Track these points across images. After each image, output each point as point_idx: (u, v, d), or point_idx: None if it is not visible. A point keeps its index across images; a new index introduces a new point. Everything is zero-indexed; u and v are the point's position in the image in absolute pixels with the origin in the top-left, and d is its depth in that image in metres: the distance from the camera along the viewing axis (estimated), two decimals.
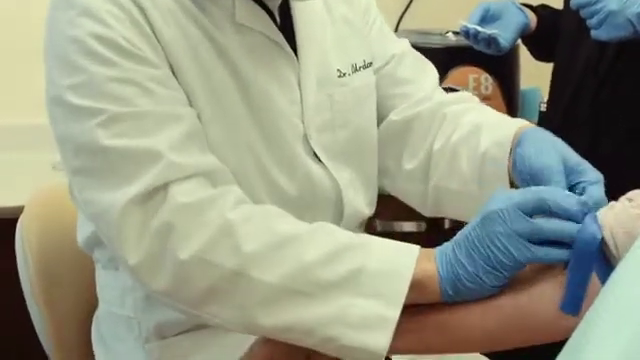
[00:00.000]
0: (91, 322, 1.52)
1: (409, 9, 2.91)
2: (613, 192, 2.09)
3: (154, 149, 1.18)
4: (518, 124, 1.40)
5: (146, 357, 1.40)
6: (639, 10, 1.93)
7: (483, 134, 1.41)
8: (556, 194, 1.14)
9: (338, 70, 1.43)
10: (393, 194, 1.59)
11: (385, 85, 1.52)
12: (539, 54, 2.33)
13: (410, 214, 1.60)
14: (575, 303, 1.12)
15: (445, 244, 1.18)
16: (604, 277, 1.11)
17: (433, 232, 1.87)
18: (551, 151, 1.29)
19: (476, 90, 2.51)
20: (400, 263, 1.16)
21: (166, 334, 1.39)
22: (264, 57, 1.33)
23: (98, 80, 1.19)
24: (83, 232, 1.43)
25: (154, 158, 1.17)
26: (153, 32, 1.23)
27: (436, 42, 2.58)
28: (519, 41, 2.50)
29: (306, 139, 1.38)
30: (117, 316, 1.43)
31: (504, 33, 2.22)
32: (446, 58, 2.52)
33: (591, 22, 1.97)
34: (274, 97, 1.34)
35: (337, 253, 1.16)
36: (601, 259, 1.12)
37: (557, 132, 2.15)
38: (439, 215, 1.54)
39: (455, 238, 1.17)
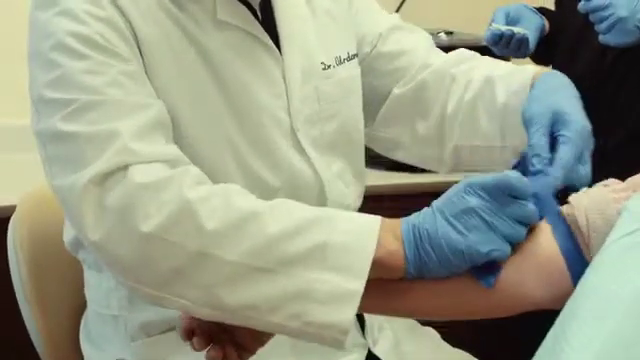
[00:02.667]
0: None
1: (401, 9, 2.90)
2: None
3: (116, 132, 1.18)
4: (532, 71, 1.40)
5: (133, 355, 1.41)
6: None
7: (498, 86, 1.42)
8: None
9: (322, 63, 1.44)
10: (408, 162, 1.61)
11: (380, 64, 1.54)
12: (545, 57, 2.32)
13: None
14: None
15: (414, 217, 1.17)
16: (574, 264, 1.11)
17: None
18: (549, 99, 1.30)
19: None
20: (364, 236, 1.15)
21: (152, 332, 1.40)
22: (246, 53, 1.35)
23: (71, 73, 1.21)
24: (68, 234, 1.45)
25: (115, 141, 1.18)
26: (132, 30, 1.26)
27: None
28: None
29: (293, 132, 1.38)
30: (103, 315, 1.44)
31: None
32: None
33: (600, 27, 1.98)
34: (256, 92, 1.35)
35: (300, 228, 1.15)
36: (571, 243, 1.12)
37: None
38: (458, 170, 1.54)
39: (424, 211, 1.17)
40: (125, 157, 1.17)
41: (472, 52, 1.56)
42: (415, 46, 1.56)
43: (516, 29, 2.16)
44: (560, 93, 1.32)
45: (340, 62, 1.46)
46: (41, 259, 1.58)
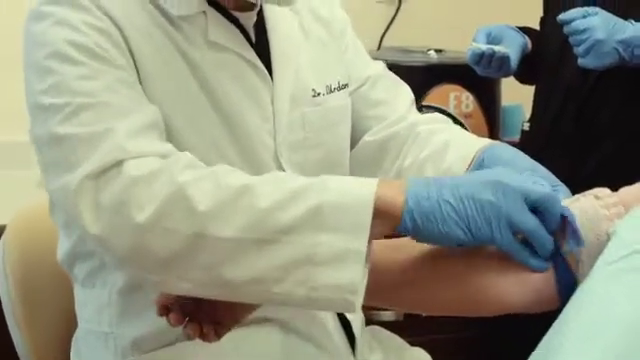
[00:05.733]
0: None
1: (391, 26, 2.92)
2: None
3: (110, 131, 1.19)
4: (485, 142, 1.41)
5: None
6: (624, 37, 1.97)
7: (450, 151, 1.43)
8: (556, 204, 1.14)
9: (313, 90, 1.44)
10: None
11: (360, 107, 1.54)
12: (529, 76, 2.33)
13: None
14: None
15: (419, 177, 1.17)
16: (563, 276, 1.12)
17: (411, 321, 1.87)
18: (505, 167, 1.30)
19: (457, 108, 2.53)
20: (360, 194, 1.13)
21: (143, 349, 1.39)
22: (237, 75, 1.35)
23: (67, 79, 1.22)
24: (62, 248, 1.44)
25: (109, 139, 1.18)
26: (126, 43, 1.27)
27: (418, 60, 2.60)
28: None
29: (277, 157, 1.39)
30: (94, 333, 1.43)
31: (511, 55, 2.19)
32: (427, 76, 2.54)
33: (578, 50, 2.00)
34: (246, 114, 1.35)
35: (293, 195, 1.14)
36: (559, 256, 1.13)
37: (540, 152, 2.18)
38: None
39: (438, 178, 1.16)
40: (119, 154, 1.18)
41: (445, 117, 1.58)
42: (397, 99, 1.57)
43: (497, 48, 2.15)
44: (514, 161, 1.34)
45: (330, 91, 1.47)
46: (31, 280, 1.57)
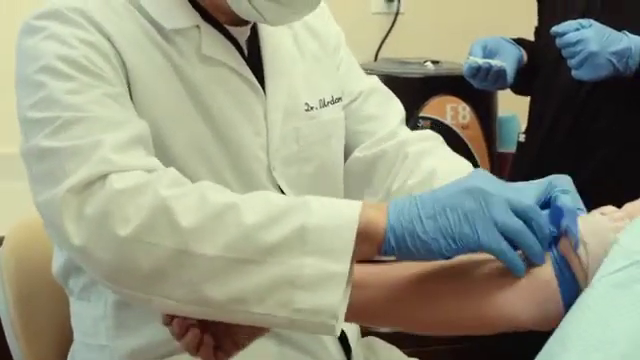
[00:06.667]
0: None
1: (388, 38, 2.93)
2: None
3: (97, 144, 1.19)
4: (469, 169, 1.39)
5: None
6: (618, 48, 1.97)
7: (435, 182, 1.42)
8: (541, 216, 1.13)
9: (306, 104, 1.45)
10: None
11: (351, 121, 1.54)
12: (525, 87, 2.34)
13: None
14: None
15: (402, 197, 1.16)
16: (567, 289, 1.11)
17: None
18: None
19: (454, 119, 2.53)
20: (343, 216, 1.13)
21: None
22: (230, 89, 1.36)
23: (56, 93, 1.23)
24: (57, 261, 1.45)
25: (95, 152, 1.18)
26: (119, 57, 1.27)
27: (414, 71, 2.60)
28: None
29: (269, 171, 1.39)
30: (90, 346, 1.43)
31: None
32: (424, 87, 2.55)
33: (572, 63, 2.00)
34: (238, 128, 1.36)
35: (277, 215, 1.13)
36: (566, 270, 1.12)
37: (535, 163, 2.19)
38: None
39: (419, 194, 1.15)
40: (104, 167, 1.17)
41: (436, 135, 1.57)
42: (388, 114, 1.56)
43: (493, 61, 2.16)
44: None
45: (324, 105, 1.47)
46: (29, 292, 1.57)
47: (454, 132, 2.53)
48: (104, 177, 1.16)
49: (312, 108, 1.45)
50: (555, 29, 2.02)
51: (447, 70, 2.61)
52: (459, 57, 2.60)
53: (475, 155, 2.56)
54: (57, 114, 1.21)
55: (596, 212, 1.16)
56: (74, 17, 1.27)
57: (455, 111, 2.53)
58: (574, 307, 1.03)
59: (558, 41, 2.01)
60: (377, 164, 1.52)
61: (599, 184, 2.10)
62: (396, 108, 1.59)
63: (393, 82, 2.62)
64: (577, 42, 1.98)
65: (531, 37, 2.35)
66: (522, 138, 2.33)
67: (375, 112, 1.56)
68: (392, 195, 1.48)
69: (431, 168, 1.46)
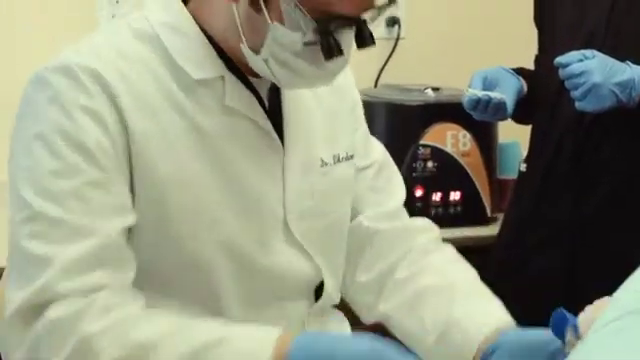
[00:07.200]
0: None
1: (388, 64, 2.92)
2: (597, 255, 2.11)
3: (48, 262, 1.22)
4: (494, 322, 1.38)
5: None
6: (621, 79, 1.96)
7: (455, 307, 1.41)
8: None
9: (321, 159, 1.44)
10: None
11: (362, 187, 1.53)
12: (525, 116, 2.33)
13: None
14: None
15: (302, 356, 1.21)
16: None
17: None
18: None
19: (454, 147, 2.52)
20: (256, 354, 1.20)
21: None
22: (248, 141, 1.35)
23: (40, 170, 1.25)
24: None
25: (44, 272, 1.22)
26: (122, 123, 1.27)
27: (415, 99, 2.59)
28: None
29: (286, 224, 1.39)
30: None
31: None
32: (425, 115, 2.54)
33: (575, 94, 1.99)
34: (254, 182, 1.35)
35: (193, 355, 1.20)
36: None
37: (537, 194, 2.17)
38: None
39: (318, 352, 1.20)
40: (47, 294, 1.21)
41: (433, 226, 1.57)
42: (396, 192, 1.57)
43: (493, 94, 2.16)
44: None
45: (338, 160, 1.46)
46: None
47: (454, 160, 2.52)
48: (45, 304, 1.21)
49: (326, 164, 1.44)
50: (559, 60, 2.01)
51: (447, 97, 2.60)
52: (460, 83, 2.60)
53: (475, 182, 2.55)
54: (31, 200, 1.24)
55: (594, 305, 1.18)
56: (83, 78, 1.26)
57: (456, 139, 2.52)
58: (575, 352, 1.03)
59: (561, 72, 2.00)
60: (374, 240, 1.52)
61: (604, 214, 2.10)
62: (401, 186, 1.59)
63: (394, 109, 2.65)
64: (581, 74, 1.97)
65: (531, 64, 2.34)
66: (523, 167, 2.32)
67: (384, 186, 1.56)
68: (397, 283, 1.48)
69: (446, 283, 1.46)
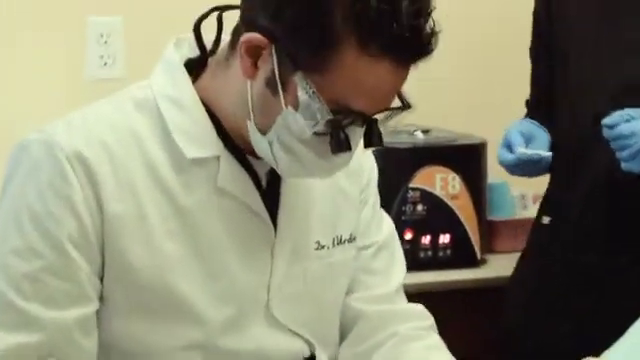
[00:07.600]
0: None
1: None
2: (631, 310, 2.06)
3: None
4: None
5: None
6: None
7: None
8: None
9: (317, 242, 1.40)
10: None
11: (357, 268, 1.48)
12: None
13: None
14: None
15: None
16: None
17: None
18: None
19: (443, 190, 2.51)
20: None
21: None
22: (238, 224, 1.33)
23: (6, 247, 1.25)
24: None
25: None
26: (98, 207, 1.26)
27: (404, 141, 2.57)
28: (486, 139, 2.54)
29: (268, 309, 1.36)
30: None
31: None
32: (414, 157, 2.53)
33: (622, 155, 1.96)
34: (236, 264, 1.33)
35: None
36: None
37: (568, 247, 2.12)
38: None
39: None
40: None
41: (426, 314, 1.53)
42: (391, 274, 1.51)
43: (543, 153, 2.11)
44: None
45: (339, 242, 1.42)
46: None
47: (444, 203, 2.51)
48: None
49: (323, 247, 1.40)
50: (606, 122, 1.97)
51: (436, 139, 2.59)
52: (449, 124, 2.60)
53: (465, 225, 2.54)
54: None
55: None
56: (64, 162, 1.25)
57: (445, 181, 2.51)
58: None
59: (607, 132, 1.97)
60: (358, 322, 1.47)
61: (638, 269, 2.06)
62: (400, 267, 1.53)
63: (383, 152, 2.59)
64: (630, 135, 1.93)
65: (521, 115, 2.30)
66: (546, 221, 2.23)
67: (381, 268, 1.50)
68: None
69: None
